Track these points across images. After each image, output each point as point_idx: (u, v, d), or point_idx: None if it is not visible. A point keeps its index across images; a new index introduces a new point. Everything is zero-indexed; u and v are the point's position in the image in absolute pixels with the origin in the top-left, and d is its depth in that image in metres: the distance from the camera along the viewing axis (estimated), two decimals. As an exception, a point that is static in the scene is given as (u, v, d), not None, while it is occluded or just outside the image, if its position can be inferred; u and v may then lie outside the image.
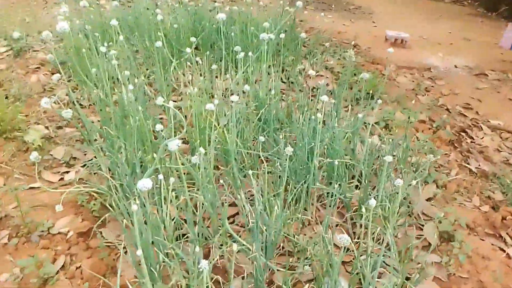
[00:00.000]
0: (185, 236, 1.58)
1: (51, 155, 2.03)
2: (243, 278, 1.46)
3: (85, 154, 2.05)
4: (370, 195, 1.68)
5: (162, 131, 1.44)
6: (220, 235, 1.49)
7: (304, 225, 1.66)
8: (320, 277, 1.33)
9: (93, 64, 2.19)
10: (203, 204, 1.46)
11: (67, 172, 1.95)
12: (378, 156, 1.96)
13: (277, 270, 1.37)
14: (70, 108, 1.58)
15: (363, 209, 1.25)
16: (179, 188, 1.52)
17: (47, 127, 2.21)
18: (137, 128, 1.58)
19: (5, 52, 3.18)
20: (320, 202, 1.79)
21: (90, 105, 2.47)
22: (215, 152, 1.75)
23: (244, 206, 1.70)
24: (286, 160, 1.39)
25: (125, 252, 1.48)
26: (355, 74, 3.05)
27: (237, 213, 1.79)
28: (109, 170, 1.77)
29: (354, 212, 1.70)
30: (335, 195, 1.48)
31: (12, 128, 2.08)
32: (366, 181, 1.67)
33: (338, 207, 1.75)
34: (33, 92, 2.54)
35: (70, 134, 2.18)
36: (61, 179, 1.90)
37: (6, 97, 2.44)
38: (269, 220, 1.36)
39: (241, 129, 1.87)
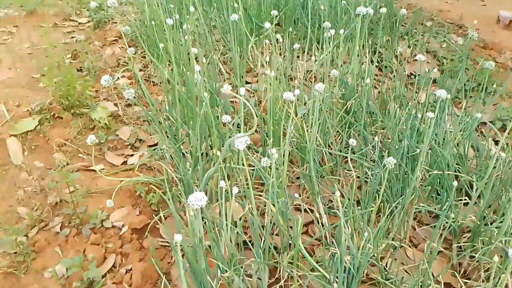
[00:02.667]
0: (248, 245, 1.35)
1: (117, 135, 1.91)
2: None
3: (151, 137, 1.90)
4: (488, 223, 1.31)
5: (230, 122, 1.20)
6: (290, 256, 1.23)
7: (395, 247, 1.34)
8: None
9: (164, 39, 2.01)
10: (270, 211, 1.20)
11: (131, 155, 1.81)
12: (495, 167, 1.55)
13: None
14: (134, 88, 1.40)
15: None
16: (244, 190, 1.28)
17: (116, 104, 2.09)
18: (203, 115, 1.35)
19: (87, 23, 3.16)
20: (416, 220, 1.45)
21: (161, 82, 2.31)
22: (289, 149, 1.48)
23: (320, 216, 1.43)
24: (384, 170, 1.08)
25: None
26: (461, 61, 2.56)
27: (312, 222, 1.51)
28: (172, 159, 1.58)
29: (464, 239, 1.34)
30: (442, 218, 1.13)
31: (80, 103, 1.98)
32: (483, 202, 1.30)
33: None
34: (107, 65, 2.44)
35: (139, 113, 2.04)
36: (124, 162, 1.76)
37: (80, 70, 2.38)
38: (353, 245, 1.07)
39: (323, 121, 1.57)
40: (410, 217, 1.41)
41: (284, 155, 1.27)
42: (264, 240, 1.16)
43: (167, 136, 1.61)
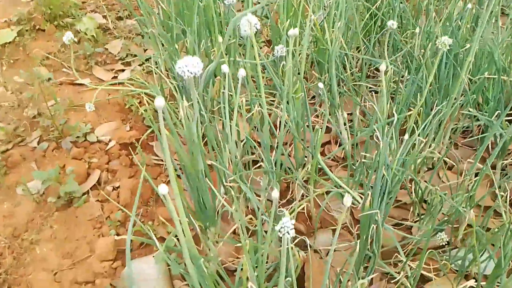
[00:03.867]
0: (257, 164, 1.16)
1: (106, 49, 1.67)
2: (334, 231, 1.02)
3: (145, 51, 1.67)
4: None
5: (232, 5, 0.96)
6: (306, 168, 1.04)
7: (429, 167, 1.14)
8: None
9: None
10: (286, 123, 0.99)
11: (122, 70, 1.59)
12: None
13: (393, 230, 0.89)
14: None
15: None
16: (254, 97, 1.06)
17: (105, 17, 1.84)
18: (201, 8, 1.11)
19: None
20: (449, 141, 1.24)
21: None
22: (306, 53, 1.24)
23: (341, 132, 1.22)
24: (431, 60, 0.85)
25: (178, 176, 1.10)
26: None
27: (329, 142, 1.31)
28: (167, 68, 1.36)
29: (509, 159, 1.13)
30: (494, 128, 0.92)
31: (65, 14, 1.73)
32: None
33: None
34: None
35: (131, 26, 1.80)
36: (114, 77, 1.55)
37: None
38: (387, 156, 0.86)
39: (346, 28, 1.32)
40: (447, 133, 1.19)
41: (301, 54, 1.04)
42: (275, 153, 0.96)
43: (162, 45, 1.38)
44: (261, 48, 1.54)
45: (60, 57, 1.62)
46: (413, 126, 0.96)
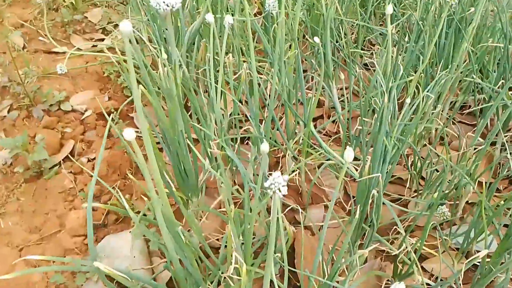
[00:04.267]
0: (245, 138, 1.08)
1: (86, 17, 1.57)
2: (326, 207, 0.95)
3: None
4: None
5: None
6: (296, 140, 0.96)
7: (429, 142, 1.08)
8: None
9: None
10: (276, 89, 0.91)
11: (102, 39, 1.49)
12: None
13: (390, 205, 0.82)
14: None
15: None
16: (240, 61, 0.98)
17: (85, -16, 1.72)
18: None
19: None
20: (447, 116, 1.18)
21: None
22: (301, 18, 1.16)
23: (336, 106, 1.15)
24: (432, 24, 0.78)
25: (160, 150, 1.01)
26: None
27: (321, 117, 1.24)
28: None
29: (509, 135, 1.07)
30: (498, 99, 0.85)
31: (41, -22, 1.62)
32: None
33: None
34: None
35: (113, -5, 1.69)
36: (94, 46, 1.45)
37: None
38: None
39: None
40: (445, 108, 1.13)
41: (294, 17, 0.95)
42: (265, 123, 0.88)
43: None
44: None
45: (36, 25, 1.51)
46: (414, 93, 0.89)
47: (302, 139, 0.92)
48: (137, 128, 1.12)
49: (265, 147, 0.43)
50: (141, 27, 1.31)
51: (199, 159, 0.77)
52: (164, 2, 0.46)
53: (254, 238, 0.83)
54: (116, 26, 1.53)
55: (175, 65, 0.61)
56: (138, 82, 1.19)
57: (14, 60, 1.11)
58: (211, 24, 0.67)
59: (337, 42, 1.16)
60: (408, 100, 0.74)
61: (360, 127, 0.81)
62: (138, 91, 0.47)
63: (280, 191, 0.39)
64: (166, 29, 1.09)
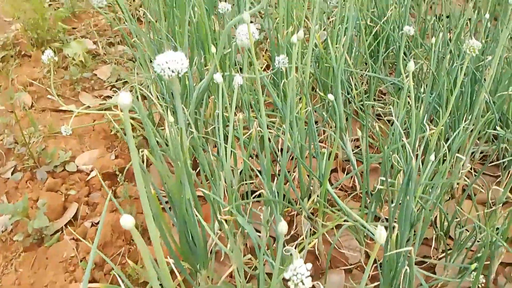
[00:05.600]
0: (256, 194, 1.03)
1: (95, 74, 1.58)
2: (350, 271, 0.88)
3: (136, 75, 1.57)
4: None
5: (226, 11, 0.86)
6: (312, 199, 0.91)
7: (452, 196, 1.02)
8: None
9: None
10: (288, 147, 0.86)
11: (111, 96, 1.48)
12: None
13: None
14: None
15: None
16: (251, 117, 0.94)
17: (95, 42, 1.75)
18: (194, 23, 1.02)
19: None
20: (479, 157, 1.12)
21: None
22: (310, 71, 1.14)
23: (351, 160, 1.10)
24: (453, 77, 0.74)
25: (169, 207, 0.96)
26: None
27: (335, 170, 1.19)
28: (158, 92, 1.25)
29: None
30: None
31: (52, 38, 1.65)
32: None
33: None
34: (89, 6, 2.10)
35: (122, 51, 1.71)
36: (102, 104, 1.44)
37: (57, 9, 2.03)
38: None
39: (349, 46, 1.23)
40: (466, 159, 1.08)
41: (304, 71, 0.93)
42: (277, 180, 0.83)
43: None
44: (258, 71, 1.45)
45: (45, 83, 1.52)
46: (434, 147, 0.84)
47: (318, 198, 0.86)
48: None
49: (282, 227, 0.37)
50: (149, 83, 1.31)
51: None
52: (169, 68, 0.43)
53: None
54: (125, 83, 1.53)
55: (181, 132, 0.57)
56: (144, 139, 1.17)
57: (19, 121, 1.09)
58: (220, 83, 0.64)
59: (348, 93, 1.13)
60: (432, 158, 0.68)
61: (380, 187, 0.75)
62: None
63: (303, 283, 0.33)
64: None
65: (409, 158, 0.59)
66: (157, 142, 0.80)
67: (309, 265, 0.34)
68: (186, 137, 0.62)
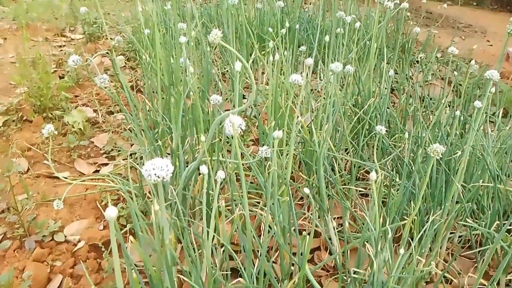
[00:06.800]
0: (238, 274, 1.05)
1: (92, 142, 1.64)
2: None
3: (131, 145, 1.63)
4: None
5: (218, 103, 0.94)
6: (293, 281, 0.93)
7: (430, 280, 1.04)
8: None
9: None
10: (270, 227, 0.91)
11: (106, 164, 1.54)
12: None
13: None
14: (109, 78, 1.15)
15: None
16: (236, 197, 0.99)
17: (95, 111, 1.84)
18: (188, 105, 1.10)
19: (80, 38, 2.99)
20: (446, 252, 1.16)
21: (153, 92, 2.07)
22: (294, 154, 1.21)
23: (331, 240, 1.14)
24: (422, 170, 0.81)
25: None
26: (479, 88, 2.35)
27: (318, 248, 1.22)
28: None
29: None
30: (497, 241, 0.84)
31: (54, 106, 1.74)
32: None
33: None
34: (92, 74, 2.22)
35: (121, 121, 1.79)
36: (96, 171, 1.49)
37: (62, 77, 2.15)
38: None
39: (333, 130, 1.31)
40: (443, 244, 1.12)
41: (288, 155, 1.00)
42: (258, 263, 0.86)
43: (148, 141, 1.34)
44: (248, 146, 1.52)
45: (43, 149, 1.58)
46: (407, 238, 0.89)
47: (297, 282, 0.89)
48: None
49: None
50: (143, 155, 1.37)
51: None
52: (155, 174, 0.48)
53: None
54: (121, 151, 1.59)
55: (162, 233, 0.62)
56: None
57: (12, 188, 1.13)
58: (205, 174, 0.70)
59: (330, 176, 1.19)
60: (402, 251, 0.73)
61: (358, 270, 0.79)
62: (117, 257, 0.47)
63: None
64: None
65: (378, 253, 0.64)
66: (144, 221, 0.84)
67: None
68: (168, 233, 0.66)
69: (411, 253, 0.85)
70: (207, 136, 0.85)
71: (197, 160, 0.86)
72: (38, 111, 1.73)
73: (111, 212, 0.38)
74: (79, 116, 1.69)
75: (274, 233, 0.90)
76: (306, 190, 0.74)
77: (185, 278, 0.72)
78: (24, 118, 1.71)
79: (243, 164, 1.13)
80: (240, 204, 0.88)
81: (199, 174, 1.10)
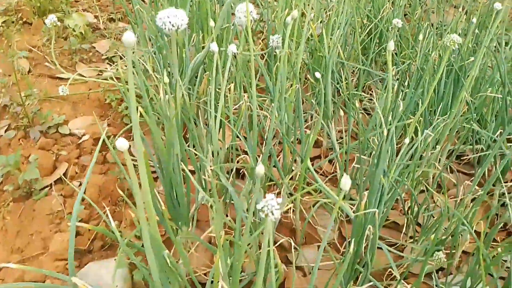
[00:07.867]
0: (241, 172, 1.08)
1: (94, 47, 1.60)
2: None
3: (133, 52, 1.60)
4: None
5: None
6: (292, 176, 0.95)
7: (422, 190, 1.07)
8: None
9: None
10: (274, 124, 0.91)
11: (107, 69, 1.51)
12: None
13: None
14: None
15: None
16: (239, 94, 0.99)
17: (96, 17, 1.78)
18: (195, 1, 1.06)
19: None
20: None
21: None
22: (304, 60, 1.18)
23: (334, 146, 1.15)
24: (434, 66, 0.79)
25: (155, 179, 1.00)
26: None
27: (318, 157, 1.24)
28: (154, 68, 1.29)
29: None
30: (496, 146, 0.85)
31: (54, 9, 1.67)
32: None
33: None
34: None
35: (123, 28, 1.74)
36: (98, 75, 1.47)
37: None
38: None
39: (343, 41, 1.28)
40: (442, 156, 1.13)
41: (298, 52, 0.98)
42: (262, 156, 0.87)
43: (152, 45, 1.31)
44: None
45: (44, 51, 1.54)
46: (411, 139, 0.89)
47: (299, 175, 0.91)
48: (133, 156, 1.12)
49: (260, 169, 0.42)
50: (146, 58, 1.34)
51: (192, 189, 0.76)
52: (170, 22, 0.47)
53: (242, 273, 0.80)
54: (123, 57, 1.56)
55: (176, 84, 0.61)
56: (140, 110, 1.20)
57: (18, 82, 1.12)
58: (215, 54, 0.69)
59: (338, 83, 1.18)
60: (406, 141, 0.73)
61: (357, 165, 0.80)
62: (135, 106, 0.47)
63: (273, 214, 0.37)
64: (169, 63, 1.11)
65: (383, 138, 0.64)
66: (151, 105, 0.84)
67: (280, 199, 0.38)
68: (179, 92, 0.66)
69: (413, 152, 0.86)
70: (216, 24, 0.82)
71: (205, 49, 0.83)
72: (37, 13, 1.67)
73: (129, 37, 0.36)
74: (80, 19, 1.63)
75: (279, 129, 0.90)
76: (317, 75, 0.73)
77: (190, 149, 0.73)
78: (24, 20, 1.66)
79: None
80: (246, 97, 0.87)
81: (205, 72, 1.08)
